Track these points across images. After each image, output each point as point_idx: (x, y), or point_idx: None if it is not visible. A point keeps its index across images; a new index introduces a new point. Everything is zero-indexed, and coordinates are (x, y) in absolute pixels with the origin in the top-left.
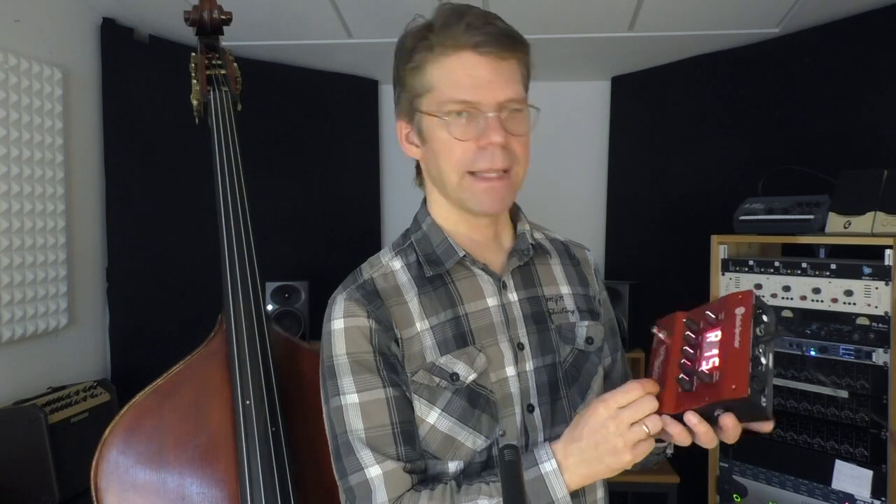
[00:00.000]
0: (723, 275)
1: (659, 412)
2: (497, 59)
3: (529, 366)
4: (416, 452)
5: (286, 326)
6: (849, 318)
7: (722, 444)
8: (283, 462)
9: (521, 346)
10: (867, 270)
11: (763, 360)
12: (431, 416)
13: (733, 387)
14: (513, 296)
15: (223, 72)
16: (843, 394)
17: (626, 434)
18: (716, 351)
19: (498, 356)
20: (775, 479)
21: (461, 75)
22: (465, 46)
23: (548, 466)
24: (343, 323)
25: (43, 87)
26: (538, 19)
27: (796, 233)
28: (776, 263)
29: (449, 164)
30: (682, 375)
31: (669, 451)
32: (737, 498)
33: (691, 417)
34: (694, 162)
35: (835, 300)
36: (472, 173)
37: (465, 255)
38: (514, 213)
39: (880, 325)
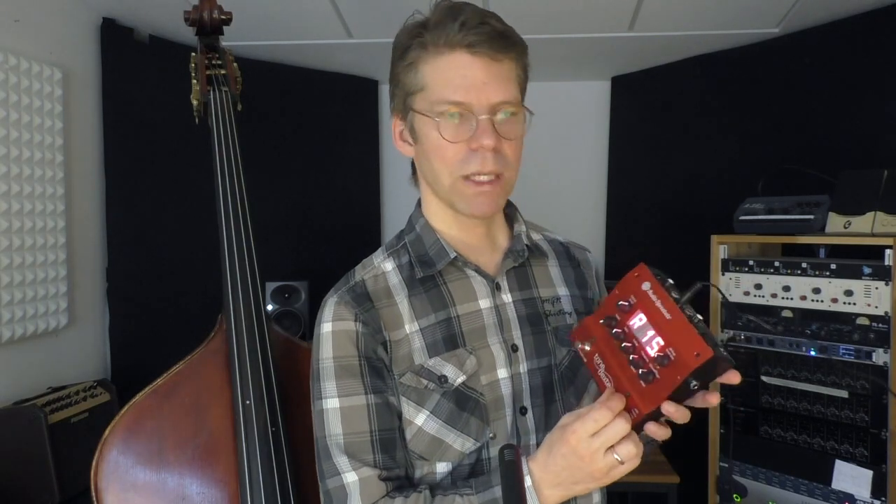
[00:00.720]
0: (723, 275)
1: (641, 417)
2: (491, 61)
3: (523, 368)
4: (394, 461)
5: (286, 326)
6: (849, 318)
7: (722, 444)
8: (283, 462)
9: (514, 348)
10: (867, 270)
11: (695, 317)
12: (419, 418)
13: (696, 354)
14: (507, 297)
15: (223, 72)
16: (843, 394)
17: (600, 462)
18: (652, 332)
19: (489, 358)
20: (775, 479)
21: (454, 76)
22: (458, 46)
23: (525, 482)
24: (331, 326)
25: (43, 87)
26: (538, 19)
27: (796, 233)
28: (776, 263)
29: (441, 166)
30: (639, 371)
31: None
32: (737, 498)
33: (668, 407)
34: (694, 162)
35: (835, 300)
36: (464, 177)
37: (456, 257)
38: (511, 214)
39: (880, 325)
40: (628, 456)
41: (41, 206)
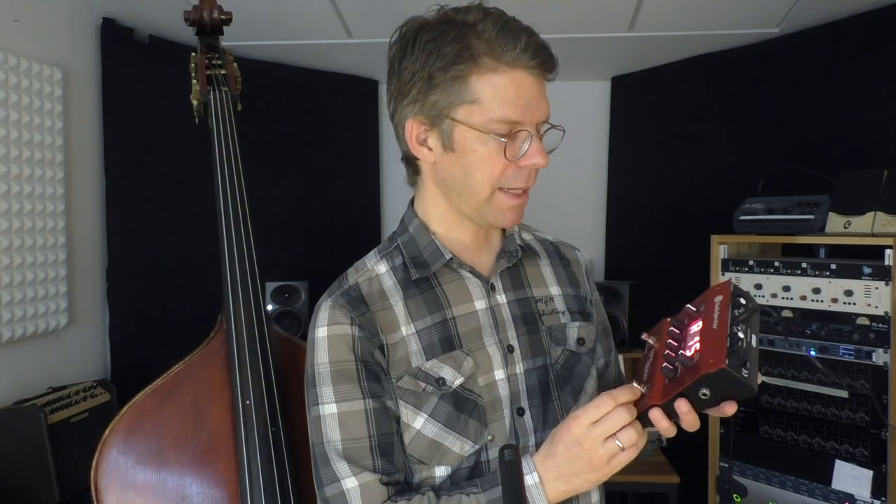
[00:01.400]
0: (723, 275)
1: (648, 406)
2: (542, 80)
3: (520, 368)
4: (394, 465)
5: (286, 326)
6: (849, 318)
7: (722, 444)
8: (283, 462)
9: (510, 349)
10: (867, 270)
11: (742, 336)
12: (417, 422)
13: (711, 361)
14: (501, 298)
15: (223, 72)
16: (843, 394)
17: (600, 450)
18: (698, 338)
19: (486, 360)
20: (775, 479)
21: (513, 94)
22: (519, 65)
23: (529, 480)
24: (326, 331)
25: (43, 87)
26: (538, 19)
27: (796, 233)
28: (776, 263)
29: (484, 180)
30: (665, 365)
31: (665, 438)
32: (737, 498)
33: (682, 405)
34: (694, 162)
35: (835, 300)
36: (501, 189)
37: (451, 258)
38: None
39: (880, 325)
40: (629, 441)
41: (41, 205)
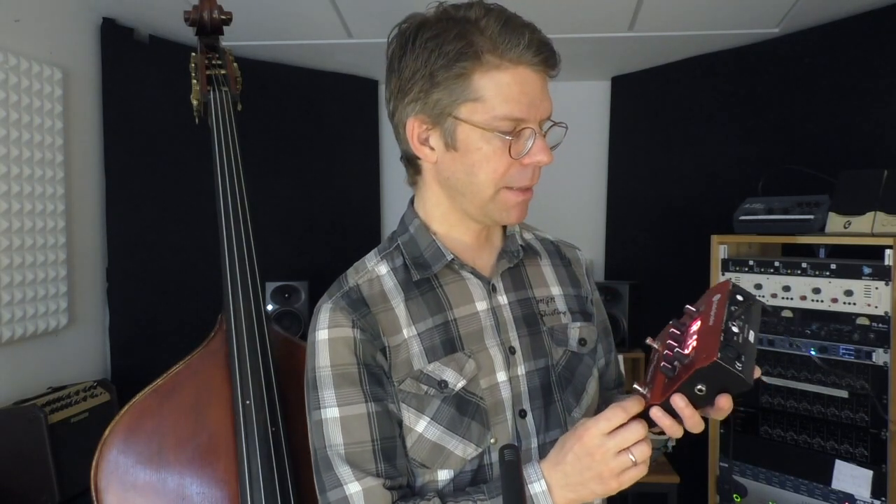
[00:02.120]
0: (723, 275)
1: (649, 405)
2: (545, 77)
3: (521, 370)
4: (397, 469)
5: (286, 326)
6: (849, 318)
7: (722, 444)
8: (283, 462)
9: (512, 350)
10: (867, 270)
11: (736, 330)
12: (420, 425)
13: (704, 356)
14: (503, 298)
15: (223, 72)
16: (843, 394)
17: (612, 462)
18: (695, 336)
19: (488, 361)
20: (775, 479)
21: (517, 91)
22: (522, 62)
23: (537, 487)
24: (327, 334)
25: (43, 87)
26: (538, 19)
27: (796, 233)
28: (776, 263)
29: (488, 178)
30: (664, 364)
31: (671, 444)
32: (737, 498)
33: (678, 401)
34: (694, 162)
35: (835, 300)
36: (507, 187)
37: (453, 259)
38: None
39: (880, 325)
40: (642, 456)
41: (41, 205)
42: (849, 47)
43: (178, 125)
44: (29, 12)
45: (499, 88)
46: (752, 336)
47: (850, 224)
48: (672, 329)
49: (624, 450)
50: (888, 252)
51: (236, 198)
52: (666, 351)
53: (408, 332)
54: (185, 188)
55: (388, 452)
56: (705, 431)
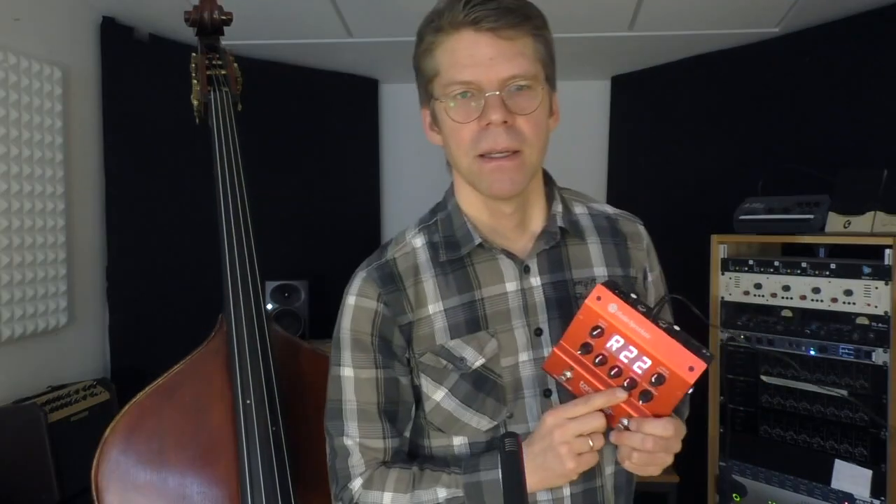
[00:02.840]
0: (722, 274)
1: (625, 417)
2: (496, 37)
3: (547, 352)
4: (397, 432)
5: (286, 326)
6: (848, 317)
7: (721, 444)
8: (284, 461)
9: (538, 332)
10: (867, 270)
11: (675, 327)
12: (438, 395)
13: (690, 368)
14: (535, 280)
15: (223, 72)
16: (843, 393)
17: (572, 443)
18: (635, 352)
19: (511, 342)
20: (775, 478)
21: (461, 56)
22: (464, 24)
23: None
24: (354, 301)
25: (42, 86)
26: None
27: (796, 232)
28: (776, 263)
29: (457, 148)
30: (637, 391)
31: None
32: (736, 498)
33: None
34: (694, 162)
35: (834, 300)
36: (479, 156)
37: (481, 243)
38: (550, 193)
39: (880, 324)
40: (598, 445)
41: (41, 204)
42: (849, 47)
43: (179, 124)
44: (29, 11)
45: (447, 56)
46: (669, 317)
47: (849, 224)
48: (592, 358)
49: (584, 435)
50: (888, 252)
51: (236, 197)
52: (625, 380)
53: (434, 307)
54: (184, 188)
55: (391, 415)
56: (705, 431)
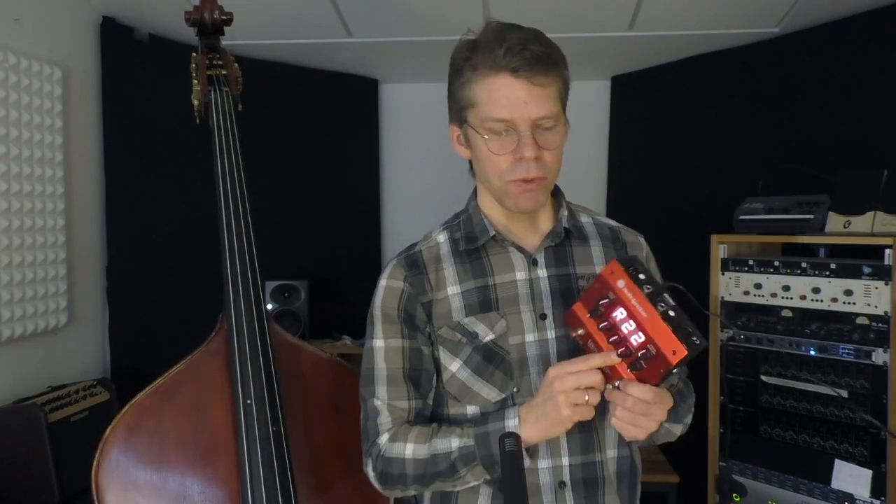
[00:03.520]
0: (722, 274)
1: (618, 380)
2: (530, 83)
3: (551, 334)
4: (419, 394)
5: (286, 326)
6: (848, 317)
7: (721, 444)
8: (284, 461)
9: (543, 316)
10: (867, 270)
11: (672, 314)
12: (454, 365)
13: (673, 352)
14: (542, 272)
15: (224, 72)
16: (843, 393)
17: (570, 393)
18: (633, 326)
19: (518, 323)
20: (775, 478)
21: (499, 96)
22: (503, 70)
23: (511, 423)
24: (386, 282)
25: (43, 86)
26: (538, 19)
27: (796, 232)
28: (776, 263)
29: (491, 172)
30: (630, 360)
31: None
32: (736, 497)
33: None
34: (694, 162)
35: (834, 300)
36: (511, 181)
37: (494, 235)
38: (558, 201)
39: (880, 324)
40: (594, 401)
41: (41, 204)
42: (849, 47)
43: (179, 124)
44: (29, 11)
45: (486, 94)
46: (671, 300)
47: (849, 224)
48: (599, 322)
49: (581, 389)
50: (888, 252)
51: (237, 197)
52: (619, 350)
53: (452, 289)
54: (185, 187)
55: (415, 380)
56: (705, 431)
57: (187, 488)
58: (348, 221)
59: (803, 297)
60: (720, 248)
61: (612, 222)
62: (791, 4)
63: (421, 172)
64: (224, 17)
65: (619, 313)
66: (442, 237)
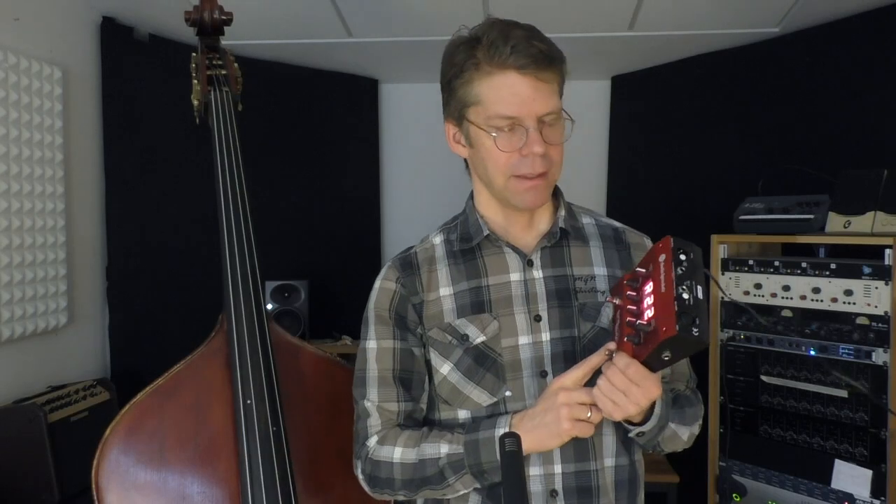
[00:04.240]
0: (722, 274)
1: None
2: (536, 79)
3: (545, 336)
4: (411, 396)
5: (286, 325)
6: (848, 317)
7: (721, 444)
8: (284, 461)
9: (538, 318)
10: (867, 270)
11: (686, 296)
12: (444, 368)
13: (664, 329)
14: (538, 273)
15: (224, 72)
16: (843, 393)
17: (574, 407)
18: (651, 300)
19: (511, 325)
20: (775, 478)
21: (506, 93)
22: (509, 67)
23: (501, 431)
24: (380, 283)
25: (42, 86)
26: (538, 19)
27: (796, 232)
28: (776, 263)
29: (495, 169)
30: (628, 329)
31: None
32: (736, 497)
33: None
34: (694, 162)
35: (834, 300)
36: (515, 176)
37: (488, 234)
38: (557, 202)
39: (880, 324)
40: (596, 420)
41: (41, 204)
42: (849, 47)
43: (179, 124)
44: (29, 11)
45: (491, 91)
46: (699, 292)
47: (849, 224)
48: (629, 291)
49: (585, 405)
50: (888, 252)
51: (237, 197)
52: (629, 317)
53: (444, 291)
54: (185, 187)
55: (406, 382)
56: (705, 431)
57: (187, 488)
58: (348, 221)
59: (803, 297)
60: (720, 248)
61: (617, 223)
62: (791, 4)
63: (421, 172)
64: (224, 17)
65: (649, 286)
66: (438, 239)
